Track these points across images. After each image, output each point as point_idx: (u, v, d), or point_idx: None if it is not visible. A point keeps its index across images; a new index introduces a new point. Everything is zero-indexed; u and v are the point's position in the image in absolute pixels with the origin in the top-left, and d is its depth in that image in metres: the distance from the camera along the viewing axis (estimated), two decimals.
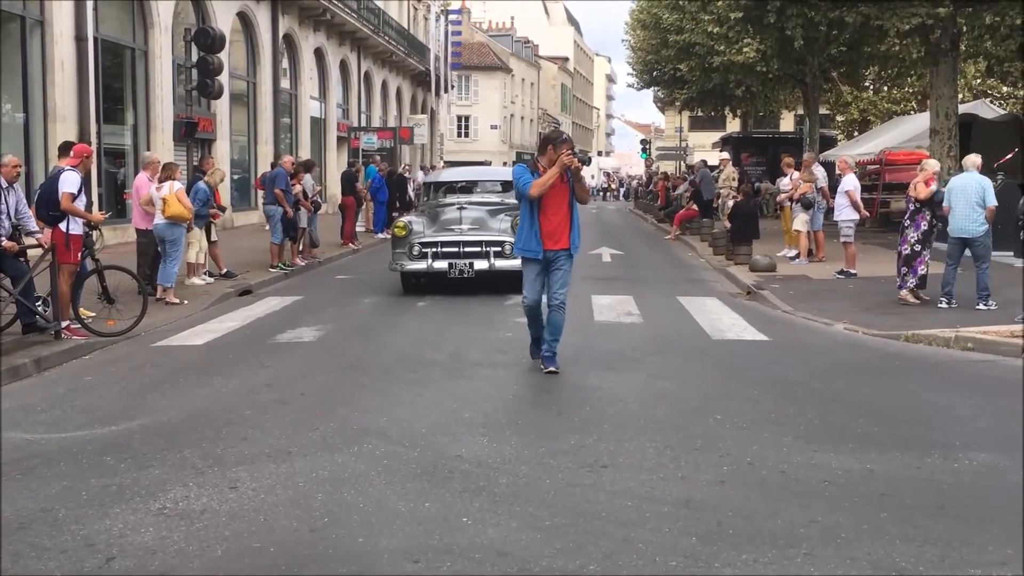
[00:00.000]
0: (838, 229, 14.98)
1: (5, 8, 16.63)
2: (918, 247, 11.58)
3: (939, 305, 11.21)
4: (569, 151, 7.87)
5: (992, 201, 10.98)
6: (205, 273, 13.96)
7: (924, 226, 11.57)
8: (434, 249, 12.89)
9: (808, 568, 4.05)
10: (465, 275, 12.73)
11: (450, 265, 12.78)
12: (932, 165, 12.05)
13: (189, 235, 13.52)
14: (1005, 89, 35.94)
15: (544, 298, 8.22)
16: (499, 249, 12.75)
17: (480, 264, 12.76)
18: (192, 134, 15.55)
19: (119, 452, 5.84)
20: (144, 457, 5.73)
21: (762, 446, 5.86)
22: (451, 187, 15.51)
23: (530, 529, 4.52)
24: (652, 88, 45.15)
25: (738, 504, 4.84)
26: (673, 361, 8.79)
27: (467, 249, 12.86)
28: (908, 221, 11.77)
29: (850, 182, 15.18)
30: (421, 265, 12.88)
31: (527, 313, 8.36)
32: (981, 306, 10.94)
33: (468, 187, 15.55)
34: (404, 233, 13.04)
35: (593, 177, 78.11)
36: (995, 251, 11.71)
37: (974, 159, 11.51)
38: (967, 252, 11.29)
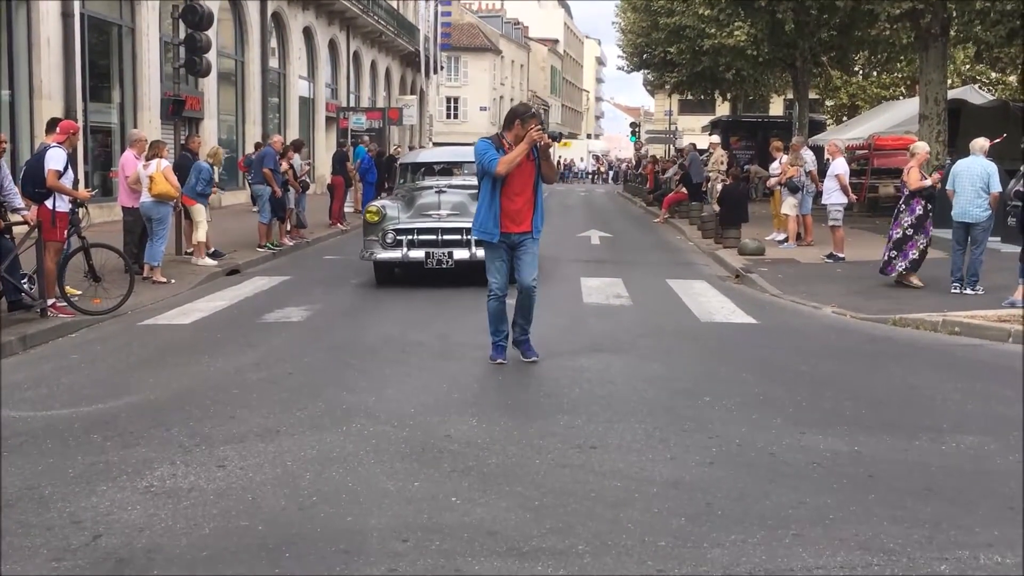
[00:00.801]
0: (826, 213, 14.98)
1: None
2: (911, 231, 11.58)
3: (952, 291, 11.16)
4: (537, 126, 7.34)
5: (996, 187, 10.93)
6: (209, 253, 13.87)
7: (919, 210, 11.56)
8: (409, 236, 11.79)
9: (796, 549, 4.06)
10: (444, 265, 11.65)
11: (427, 254, 11.68)
12: (921, 148, 12.06)
13: (195, 213, 13.49)
14: (994, 75, 35.98)
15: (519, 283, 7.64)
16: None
17: (460, 253, 11.62)
18: (179, 112, 15.42)
19: (105, 430, 5.81)
20: (131, 435, 5.70)
21: (751, 428, 5.87)
22: (429, 169, 14.39)
23: (519, 509, 4.52)
24: (642, 71, 45.07)
25: (727, 485, 4.85)
26: (662, 343, 8.79)
27: (446, 237, 11.74)
28: (903, 205, 11.76)
29: (840, 166, 15.19)
30: (395, 254, 11.78)
31: (493, 307, 7.62)
32: (969, 291, 10.98)
33: (448, 169, 14.46)
34: (377, 218, 11.98)
35: (582, 160, 77.99)
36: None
37: (981, 143, 11.42)
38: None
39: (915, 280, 11.63)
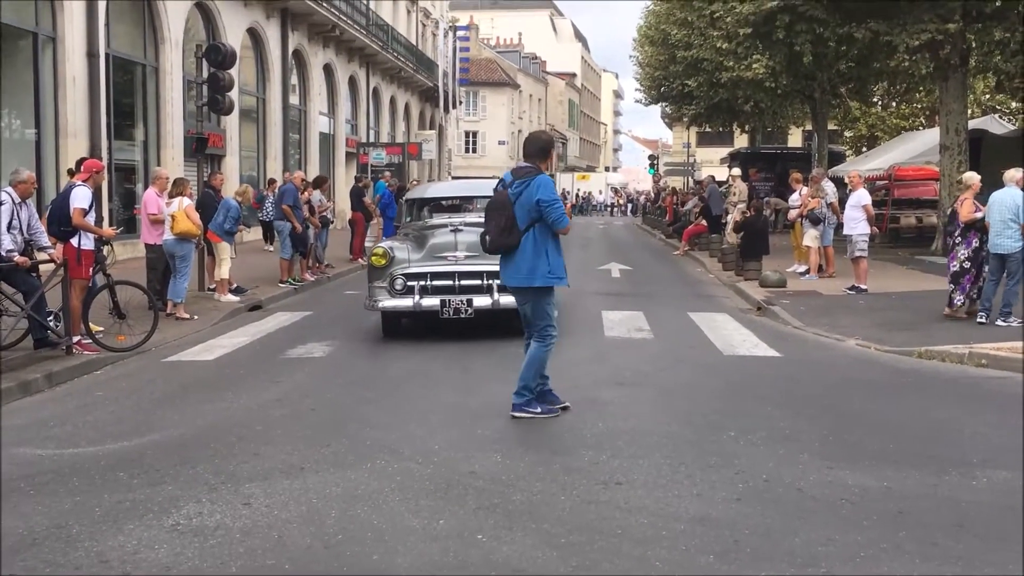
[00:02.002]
0: (849, 244, 14.91)
1: (18, 25, 16.74)
2: (967, 264, 11.41)
3: (978, 320, 11.11)
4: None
5: None
6: (232, 289, 13.94)
7: (975, 243, 11.35)
8: (422, 282, 10.43)
9: None
10: (462, 315, 10.25)
11: (443, 302, 10.28)
12: (971, 179, 11.77)
13: (220, 251, 13.60)
14: (1015, 105, 35.90)
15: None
16: (499, 281, 9.88)
17: (481, 300, 10.28)
18: (202, 150, 15.57)
19: (131, 468, 5.83)
20: (157, 473, 5.72)
21: (777, 463, 5.82)
22: (438, 205, 13.13)
23: (546, 546, 4.49)
24: (660, 104, 45.30)
25: (754, 522, 4.80)
26: (685, 377, 8.75)
27: (464, 282, 10.38)
28: (959, 238, 11.59)
29: (864, 196, 15.13)
30: (406, 302, 10.39)
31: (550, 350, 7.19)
32: (1000, 322, 10.85)
33: (460, 205, 13.20)
34: (384, 262, 10.58)
35: (601, 192, 78.14)
36: None
37: (1013, 173, 11.25)
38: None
39: (962, 312, 11.49)
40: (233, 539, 4.62)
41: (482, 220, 12.15)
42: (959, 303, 11.51)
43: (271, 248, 21.38)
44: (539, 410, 6.99)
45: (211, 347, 10.49)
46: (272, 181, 23.00)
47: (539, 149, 7.07)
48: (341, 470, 5.73)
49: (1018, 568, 4.22)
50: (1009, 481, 5.49)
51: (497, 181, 7.31)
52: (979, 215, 11.28)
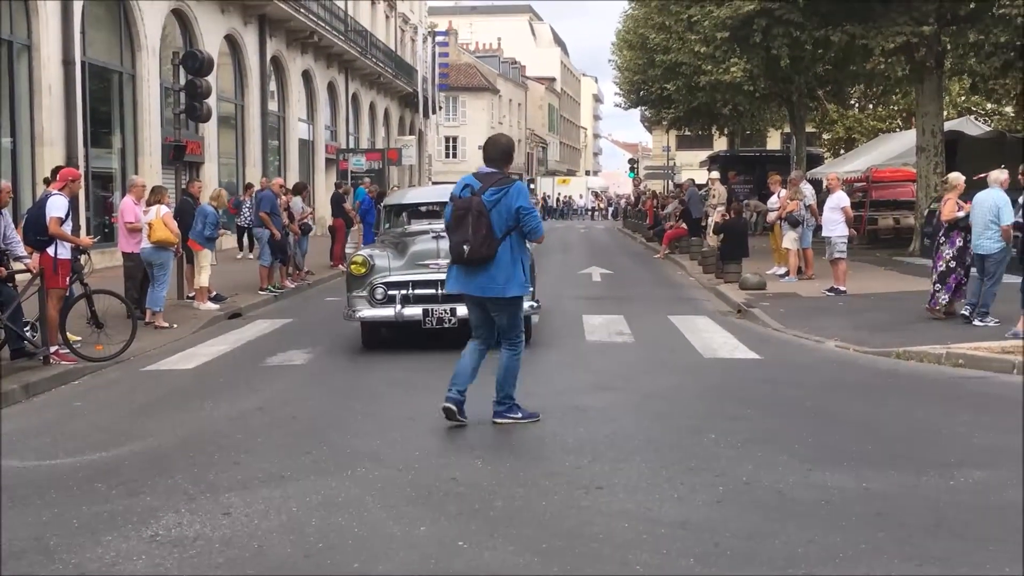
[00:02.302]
0: (828, 246, 14.98)
1: None
2: (953, 263, 11.44)
3: (961, 312, 11.20)
4: None
5: (1007, 219, 10.73)
6: (211, 297, 13.87)
7: (959, 242, 11.39)
8: (403, 291, 10.07)
9: None
10: (446, 324, 9.90)
11: (426, 312, 9.92)
12: (957, 179, 11.80)
13: (200, 258, 13.53)
14: (990, 106, 36.25)
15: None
16: None
17: (464, 310, 9.85)
18: (180, 157, 15.49)
19: (110, 478, 5.78)
20: (135, 483, 5.68)
21: (757, 465, 5.84)
22: (418, 211, 12.75)
23: (527, 552, 4.49)
24: (639, 107, 45.47)
25: (735, 524, 4.82)
26: (666, 380, 8.77)
27: (448, 291, 10.09)
28: (943, 238, 11.63)
29: (843, 198, 15.22)
30: (386, 312, 10.03)
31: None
32: (978, 322, 10.93)
33: (440, 211, 13.24)
34: (363, 270, 10.22)
35: (581, 196, 78.28)
36: None
37: (997, 175, 11.27)
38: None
39: (946, 312, 11.53)
40: (212, 549, 4.60)
41: None
42: (943, 301, 11.57)
43: (251, 256, 21.28)
44: (520, 415, 6.95)
45: (190, 356, 10.43)
46: (249, 186, 22.89)
47: (503, 153, 6.91)
48: (322, 478, 5.71)
49: (995, 568, 4.25)
50: (986, 480, 5.53)
51: (462, 187, 6.88)
52: (961, 214, 11.34)
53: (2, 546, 4.64)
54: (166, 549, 4.61)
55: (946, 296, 11.55)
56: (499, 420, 6.92)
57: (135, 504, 5.29)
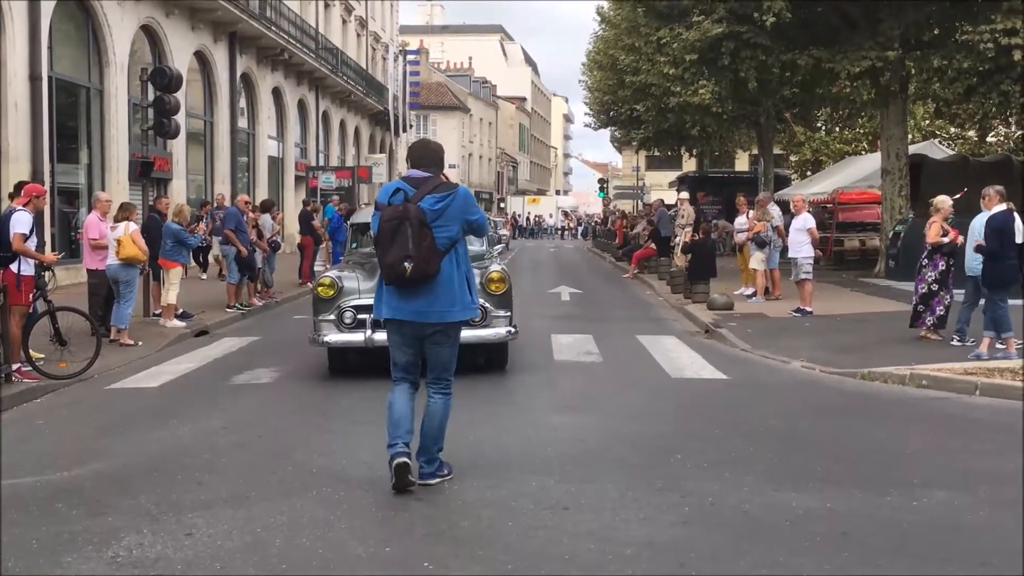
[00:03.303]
0: (794, 267, 15.11)
1: None
2: (935, 287, 11.50)
3: (952, 342, 11.15)
4: None
5: (1019, 236, 10.51)
6: (178, 314, 13.75)
7: (941, 266, 11.46)
8: (374, 315, 9.34)
9: None
10: None
11: None
12: (943, 203, 11.81)
13: (172, 276, 13.43)
14: (953, 130, 36.78)
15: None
16: None
17: None
18: (148, 173, 15.37)
19: (71, 499, 5.71)
20: (97, 504, 5.61)
21: (723, 486, 5.86)
22: None
23: (493, 574, 4.47)
24: (609, 128, 45.68)
25: (701, 545, 4.83)
26: (633, 400, 8.79)
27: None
28: (926, 260, 11.69)
29: (808, 220, 15.36)
30: (356, 337, 9.48)
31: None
32: (955, 341, 10.99)
33: None
34: (331, 292, 9.71)
35: (551, 216, 78.48)
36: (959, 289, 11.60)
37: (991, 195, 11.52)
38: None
39: (933, 335, 11.58)
40: (174, 571, 4.55)
41: None
42: (929, 323, 11.64)
43: (203, 276, 21.04)
44: (447, 472, 5.95)
45: (156, 374, 10.33)
46: (205, 204, 22.65)
47: (437, 157, 5.98)
48: (286, 498, 5.66)
49: None
50: (948, 501, 5.58)
51: (392, 192, 5.80)
52: (945, 239, 11.42)
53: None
54: (127, 570, 4.55)
55: (932, 318, 11.61)
56: (431, 481, 5.80)
57: (96, 525, 5.22)
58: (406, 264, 5.54)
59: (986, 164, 25.25)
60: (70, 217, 20.46)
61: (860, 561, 4.60)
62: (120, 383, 9.84)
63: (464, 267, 5.84)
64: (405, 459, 5.64)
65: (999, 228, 10.19)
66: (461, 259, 5.82)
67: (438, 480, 5.83)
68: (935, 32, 19.59)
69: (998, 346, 10.23)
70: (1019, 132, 36.01)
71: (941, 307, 11.57)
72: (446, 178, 5.93)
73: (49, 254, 11.05)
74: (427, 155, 5.96)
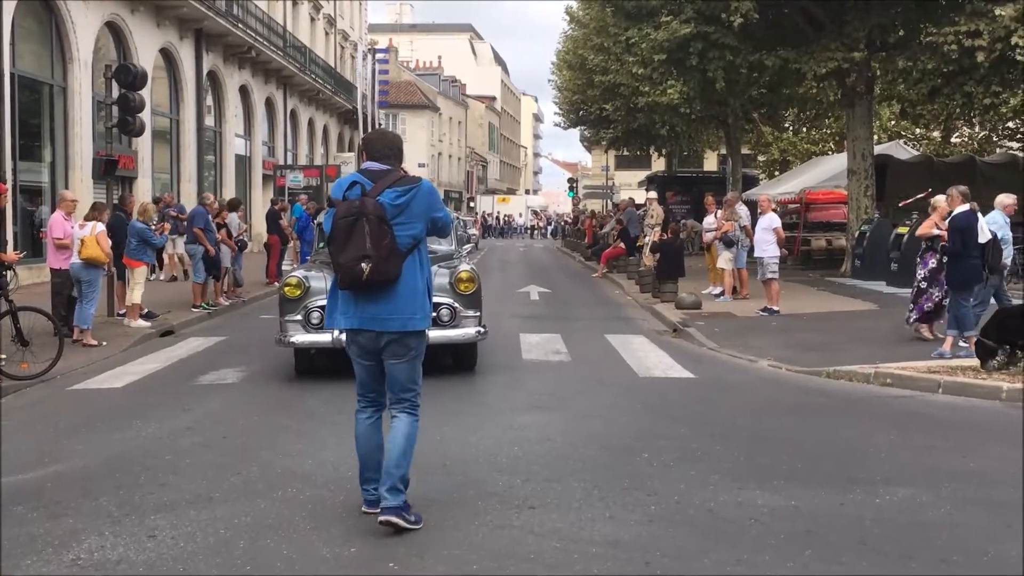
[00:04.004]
0: (760, 266, 15.21)
1: None
2: (924, 284, 11.51)
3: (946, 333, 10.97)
4: None
5: (983, 237, 10.55)
6: (142, 314, 13.61)
7: (932, 263, 11.45)
8: (326, 325, 9.33)
9: None
10: None
11: None
12: (939, 202, 11.77)
13: (136, 275, 13.28)
14: (918, 131, 37.15)
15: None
16: (434, 314, 8.53)
17: None
18: (112, 172, 15.20)
19: (31, 501, 5.63)
20: (57, 506, 5.53)
21: (689, 484, 5.88)
22: None
23: (458, 574, 4.46)
24: (578, 127, 45.75)
25: (666, 544, 4.84)
26: (601, 399, 8.80)
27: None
28: (918, 258, 11.75)
29: (774, 220, 15.47)
30: (323, 337, 9.26)
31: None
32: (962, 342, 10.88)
33: None
34: (298, 292, 9.57)
35: (521, 215, 78.54)
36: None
37: (1003, 199, 11.46)
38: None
39: (925, 331, 11.62)
40: (136, 573, 4.50)
41: None
42: (912, 320, 11.70)
43: (161, 277, 20.69)
44: (413, 519, 5.05)
45: (119, 374, 10.22)
46: (158, 200, 22.06)
47: (396, 148, 5.33)
48: (251, 499, 5.62)
49: None
50: (910, 497, 5.63)
51: (347, 186, 5.14)
52: (935, 231, 11.42)
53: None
54: (87, 573, 4.49)
55: (914, 314, 11.67)
56: (393, 519, 4.94)
57: (56, 527, 5.15)
58: (363, 265, 4.91)
59: (950, 164, 25.58)
60: (33, 215, 20.21)
61: (823, 559, 4.63)
62: (83, 384, 9.72)
63: (426, 271, 5.23)
64: (377, 509, 5.07)
65: (960, 228, 10.31)
66: (424, 262, 5.22)
67: (403, 523, 4.94)
68: (900, 34, 19.79)
69: (961, 344, 10.33)
70: (982, 133, 36.46)
71: (929, 303, 11.50)
72: (405, 172, 5.27)
73: (11, 253, 10.91)
74: (385, 145, 5.31)
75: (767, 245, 15.11)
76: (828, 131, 38.37)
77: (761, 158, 43.99)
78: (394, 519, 4.94)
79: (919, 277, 11.63)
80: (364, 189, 5.04)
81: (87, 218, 12.13)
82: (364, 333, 5.13)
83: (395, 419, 5.19)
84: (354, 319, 5.12)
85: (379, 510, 5.02)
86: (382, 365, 5.22)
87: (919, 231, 11.69)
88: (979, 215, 10.51)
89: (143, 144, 23.88)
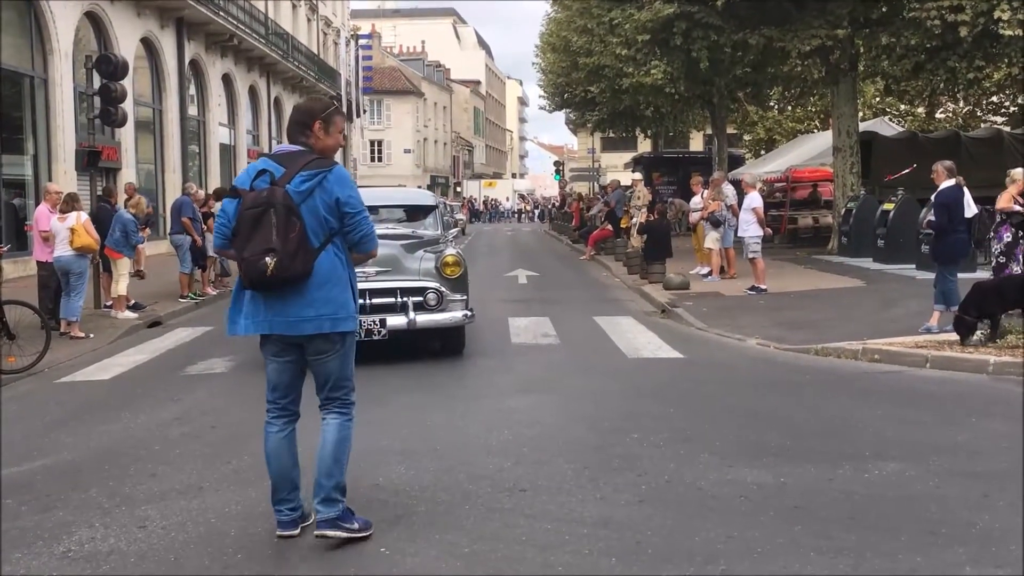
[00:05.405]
0: (745, 246, 15.26)
1: None
2: (1002, 259, 11.45)
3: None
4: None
5: (970, 211, 10.56)
6: (129, 305, 13.55)
7: (1007, 237, 11.41)
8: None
9: None
10: (375, 336, 9.30)
11: None
12: (1018, 174, 11.68)
13: (120, 266, 13.23)
14: (903, 107, 37.21)
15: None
16: (420, 299, 9.52)
17: (395, 320, 9.39)
18: (95, 163, 15.12)
19: (20, 494, 5.61)
20: (48, 498, 5.52)
21: (679, 463, 5.90)
22: None
23: (449, 557, 4.47)
24: (564, 110, 45.68)
25: (656, 523, 4.86)
26: (590, 381, 8.82)
27: (376, 300, 9.41)
28: (992, 232, 11.67)
29: (755, 200, 15.50)
30: None
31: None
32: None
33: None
34: None
35: (508, 199, 78.48)
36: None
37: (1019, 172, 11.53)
38: None
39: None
40: (127, 564, 4.49)
41: (392, 232, 10.55)
42: None
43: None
44: (357, 526, 4.66)
45: (107, 366, 10.20)
46: (129, 186, 21.60)
47: (305, 120, 4.68)
48: (241, 488, 5.62)
49: (907, 557, 4.35)
50: (899, 472, 5.66)
51: (255, 174, 4.57)
52: (1017, 208, 11.33)
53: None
54: (79, 565, 4.49)
55: None
56: (329, 533, 4.58)
57: (47, 520, 5.15)
58: (267, 259, 4.38)
59: (935, 140, 25.63)
60: (17, 209, 20.10)
61: (812, 533, 4.66)
62: (71, 376, 9.69)
63: (344, 264, 4.65)
64: (293, 531, 4.71)
65: (946, 203, 10.33)
66: (340, 255, 4.63)
67: (344, 535, 4.57)
68: (883, 10, 19.74)
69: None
70: (967, 108, 36.55)
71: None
72: (322, 155, 4.65)
73: None
74: (294, 122, 4.70)
75: (748, 225, 15.17)
76: (813, 109, 38.40)
77: (747, 137, 43.98)
78: (330, 532, 4.56)
79: (995, 252, 11.52)
80: (273, 177, 4.51)
81: (63, 210, 12.05)
82: (275, 340, 4.65)
83: (324, 423, 4.72)
84: (263, 323, 4.59)
85: (313, 523, 4.68)
86: (303, 363, 4.72)
87: (998, 204, 11.53)
88: (965, 190, 10.54)
89: (126, 135, 23.75)
